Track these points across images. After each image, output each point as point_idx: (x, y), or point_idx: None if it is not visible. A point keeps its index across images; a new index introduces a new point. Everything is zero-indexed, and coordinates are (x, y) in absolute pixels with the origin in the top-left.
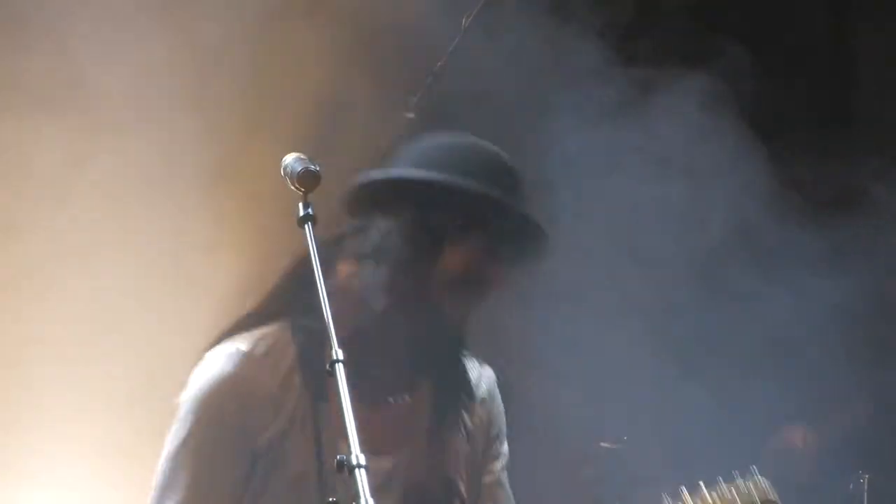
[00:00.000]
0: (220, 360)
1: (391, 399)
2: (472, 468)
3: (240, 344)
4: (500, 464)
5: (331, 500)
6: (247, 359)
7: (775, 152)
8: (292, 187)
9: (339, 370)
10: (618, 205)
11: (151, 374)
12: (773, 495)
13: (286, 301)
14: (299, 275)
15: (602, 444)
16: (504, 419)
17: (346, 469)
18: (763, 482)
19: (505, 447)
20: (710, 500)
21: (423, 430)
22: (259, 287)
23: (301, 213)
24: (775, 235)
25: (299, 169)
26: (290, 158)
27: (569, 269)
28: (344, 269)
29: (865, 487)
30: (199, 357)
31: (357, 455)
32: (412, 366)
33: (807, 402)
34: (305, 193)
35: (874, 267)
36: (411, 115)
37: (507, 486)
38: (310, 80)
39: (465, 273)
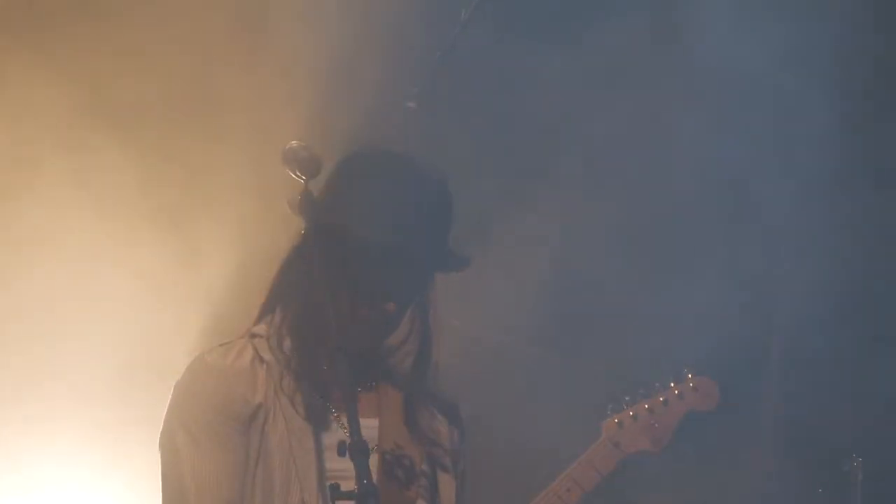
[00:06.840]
0: (194, 371)
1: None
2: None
3: (207, 356)
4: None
5: (330, 483)
6: (215, 368)
7: None
8: (293, 175)
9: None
10: None
11: (147, 353)
12: None
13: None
14: (279, 282)
15: None
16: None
17: (349, 453)
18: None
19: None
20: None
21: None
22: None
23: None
24: None
25: (301, 156)
26: (291, 146)
27: None
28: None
29: (859, 472)
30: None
31: (358, 440)
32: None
33: None
34: (307, 181)
35: None
36: (412, 105)
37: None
38: (314, 69)
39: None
